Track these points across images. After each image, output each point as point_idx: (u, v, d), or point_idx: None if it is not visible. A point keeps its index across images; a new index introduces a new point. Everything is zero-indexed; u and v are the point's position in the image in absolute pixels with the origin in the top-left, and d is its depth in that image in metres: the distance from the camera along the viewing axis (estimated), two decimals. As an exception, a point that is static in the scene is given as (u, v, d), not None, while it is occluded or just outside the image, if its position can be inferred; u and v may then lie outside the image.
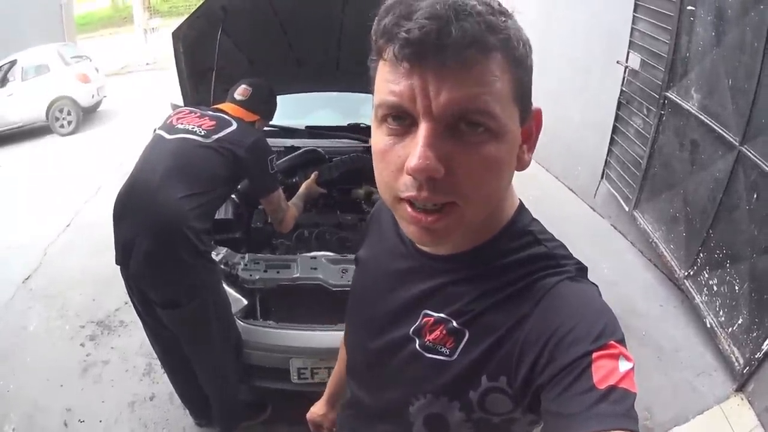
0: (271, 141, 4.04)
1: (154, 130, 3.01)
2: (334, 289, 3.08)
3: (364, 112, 4.96)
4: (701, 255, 4.40)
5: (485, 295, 0.99)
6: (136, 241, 2.71)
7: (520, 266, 0.99)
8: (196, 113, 3.00)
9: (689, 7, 4.52)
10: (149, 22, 19.93)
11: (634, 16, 5.41)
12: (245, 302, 3.13)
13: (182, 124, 2.92)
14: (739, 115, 3.90)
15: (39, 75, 11.81)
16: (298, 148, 4.22)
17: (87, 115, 12.49)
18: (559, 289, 0.95)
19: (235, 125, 2.94)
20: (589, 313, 0.92)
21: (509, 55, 0.85)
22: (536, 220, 1.06)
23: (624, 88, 5.71)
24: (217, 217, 3.19)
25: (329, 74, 4.18)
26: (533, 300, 0.94)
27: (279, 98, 3.48)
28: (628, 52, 5.54)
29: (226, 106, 3.13)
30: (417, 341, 1.06)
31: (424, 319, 1.06)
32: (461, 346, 1.01)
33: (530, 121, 0.95)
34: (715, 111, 4.26)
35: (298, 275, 3.10)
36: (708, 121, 4.30)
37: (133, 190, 2.81)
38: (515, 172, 0.96)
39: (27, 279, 5.46)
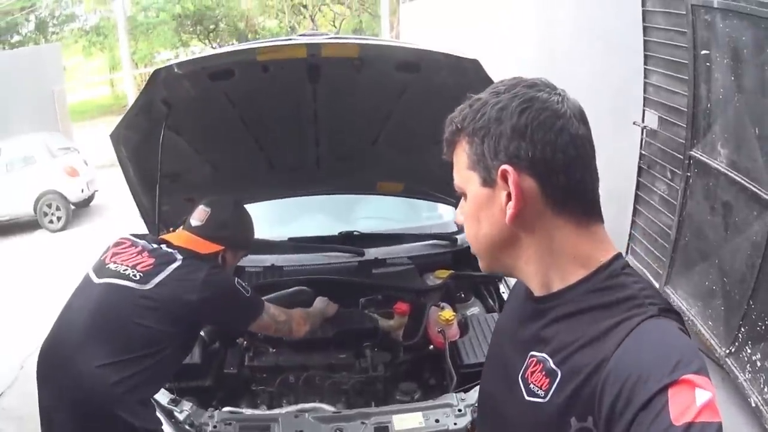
0: (246, 258, 3.25)
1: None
2: None
3: (357, 215, 4.43)
4: (742, 329, 4.00)
5: (575, 335, 1.07)
6: (55, 416, 2.29)
7: (607, 308, 1.05)
8: (136, 247, 2.48)
9: (703, 52, 4.20)
10: (145, 111, 19.99)
11: (645, 69, 5.07)
12: None
13: (115, 263, 2.40)
14: (771, 168, 3.57)
15: (25, 166, 11.69)
16: (280, 267, 3.68)
17: (78, 209, 12.37)
18: (639, 329, 1.00)
19: (179, 260, 2.41)
20: (665, 349, 0.97)
21: (468, 133, 1.14)
22: (630, 267, 1.13)
23: (643, 151, 5.32)
24: None
25: (309, 175, 3.64)
26: (614, 342, 1.00)
27: (254, 205, 3.02)
28: (643, 110, 5.19)
29: (177, 235, 2.63)
30: (522, 384, 1.15)
31: (530, 360, 1.15)
32: (554, 388, 1.07)
33: (501, 180, 1.10)
34: (744, 166, 3.90)
35: None
36: (738, 179, 3.93)
37: (51, 349, 2.37)
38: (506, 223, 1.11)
39: (1, 395, 5.20)
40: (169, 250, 2.44)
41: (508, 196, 1.09)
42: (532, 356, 1.15)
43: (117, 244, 2.52)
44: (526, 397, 1.13)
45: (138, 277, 2.31)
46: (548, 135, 1.06)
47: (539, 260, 1.14)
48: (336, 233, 3.96)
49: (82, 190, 12.18)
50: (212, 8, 29.09)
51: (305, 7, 30.50)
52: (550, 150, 1.06)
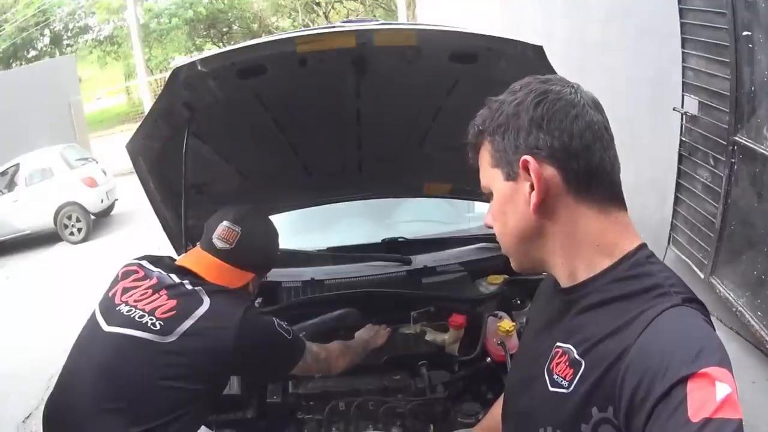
0: (281, 272, 3.07)
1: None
2: None
3: (399, 219, 4.13)
4: (793, 321, 3.94)
5: (601, 326, 1.09)
6: None
7: (632, 297, 1.08)
8: (151, 279, 2.05)
9: (744, 33, 4.09)
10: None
11: (683, 52, 4.94)
12: None
13: (126, 303, 1.97)
14: (824, 151, 3.45)
15: (43, 179, 11.85)
16: (321, 281, 3.24)
17: (99, 219, 12.44)
18: (661, 318, 1.01)
19: (207, 303, 1.96)
20: (686, 340, 0.98)
21: (489, 133, 1.23)
22: (655, 256, 1.17)
23: (684, 138, 5.18)
24: None
25: (350, 180, 3.30)
26: (637, 331, 1.01)
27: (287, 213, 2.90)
28: (683, 96, 5.05)
29: (198, 259, 2.15)
30: (547, 375, 1.19)
31: (555, 351, 1.19)
32: (577, 378, 1.10)
33: (523, 171, 1.16)
34: (795, 151, 3.81)
35: None
36: (788, 164, 3.85)
37: (58, 412, 1.98)
38: (532, 213, 1.18)
39: (27, 418, 5.08)
40: (192, 288, 2.02)
41: (531, 186, 1.15)
42: (558, 347, 1.18)
43: (126, 274, 2.11)
44: (550, 388, 1.16)
45: (158, 327, 1.90)
46: (563, 123, 1.13)
47: (565, 250, 1.19)
48: (379, 240, 3.61)
49: (102, 200, 12.26)
50: (225, 11, 29.48)
51: (318, 4, 30.62)
52: (567, 136, 1.13)
